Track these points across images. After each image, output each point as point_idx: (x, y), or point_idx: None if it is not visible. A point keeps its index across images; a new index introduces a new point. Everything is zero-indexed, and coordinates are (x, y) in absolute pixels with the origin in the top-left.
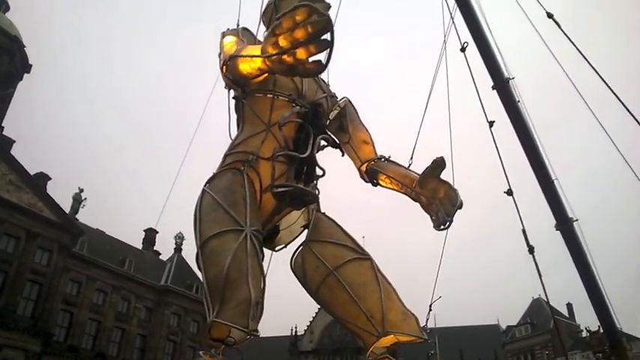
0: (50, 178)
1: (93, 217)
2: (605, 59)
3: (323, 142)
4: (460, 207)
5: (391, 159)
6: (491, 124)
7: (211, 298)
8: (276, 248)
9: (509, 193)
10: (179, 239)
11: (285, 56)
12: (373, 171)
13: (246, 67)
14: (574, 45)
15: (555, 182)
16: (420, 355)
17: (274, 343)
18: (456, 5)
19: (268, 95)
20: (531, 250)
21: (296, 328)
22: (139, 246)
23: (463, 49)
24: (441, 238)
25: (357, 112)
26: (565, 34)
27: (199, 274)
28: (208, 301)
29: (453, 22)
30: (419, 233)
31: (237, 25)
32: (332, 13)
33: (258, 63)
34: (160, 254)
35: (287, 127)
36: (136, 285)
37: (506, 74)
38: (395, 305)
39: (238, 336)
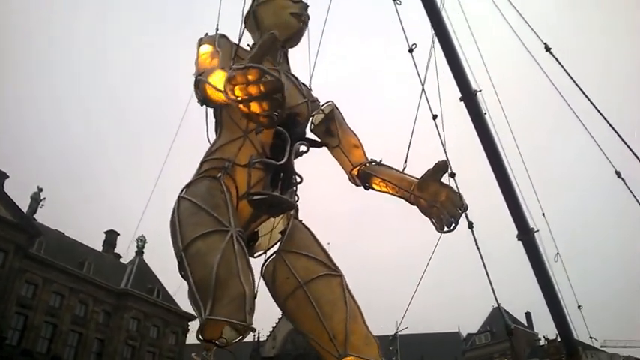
0: (7, 177)
1: (53, 217)
2: (605, 58)
3: (302, 148)
4: (466, 210)
5: (383, 162)
6: (434, 116)
7: (201, 297)
8: (255, 254)
9: (470, 226)
10: (141, 242)
11: (240, 105)
12: (366, 174)
13: (213, 94)
14: (571, 78)
15: (519, 195)
16: None
17: (236, 348)
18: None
19: None
20: (470, 225)
21: (258, 333)
22: (99, 248)
23: (411, 50)
24: (404, 249)
25: (342, 116)
26: (563, 67)
27: (162, 279)
28: (198, 301)
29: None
30: (382, 243)
31: (216, 30)
32: (321, 14)
33: (222, 96)
34: (121, 257)
35: (264, 133)
36: (94, 288)
37: (474, 86)
38: (359, 328)
39: (230, 336)
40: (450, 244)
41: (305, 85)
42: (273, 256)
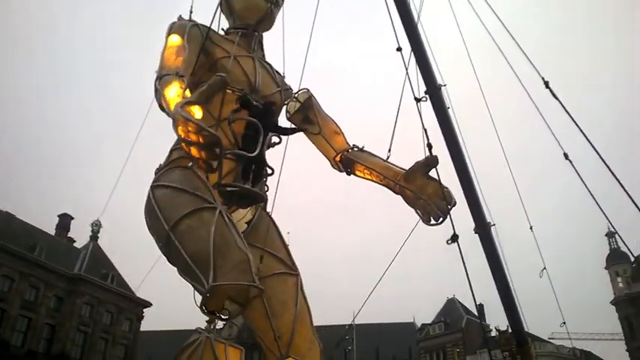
0: None
1: (2, 199)
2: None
3: (275, 139)
4: (454, 205)
5: (365, 149)
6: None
7: (200, 269)
8: None
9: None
10: (96, 227)
11: (182, 144)
12: (349, 160)
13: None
14: (570, 116)
15: (476, 188)
16: (337, 350)
17: (189, 335)
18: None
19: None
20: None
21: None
22: (52, 232)
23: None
24: (366, 239)
25: (319, 104)
26: (562, 105)
27: (117, 265)
28: (197, 274)
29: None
30: (345, 233)
31: (190, 14)
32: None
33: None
34: (75, 242)
35: (237, 123)
36: (46, 272)
37: (439, 81)
38: (305, 331)
39: (234, 309)
40: (409, 236)
41: (279, 73)
42: None
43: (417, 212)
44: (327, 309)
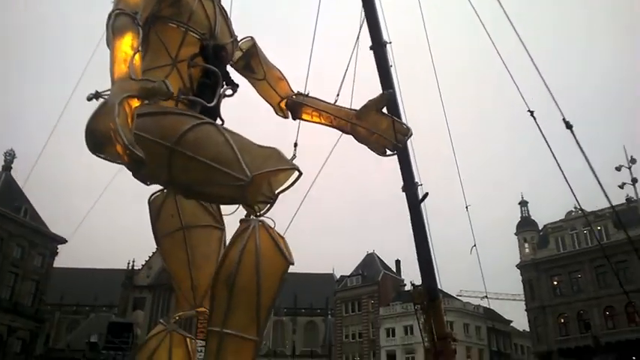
0: None
1: None
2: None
3: (228, 92)
4: (410, 135)
5: (310, 95)
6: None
7: (230, 167)
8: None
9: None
10: (9, 156)
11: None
12: (297, 104)
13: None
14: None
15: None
16: None
17: (107, 275)
18: None
19: (181, 28)
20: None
21: (133, 262)
22: None
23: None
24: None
25: (263, 53)
26: (580, 148)
27: (32, 198)
28: (226, 172)
29: None
30: None
31: None
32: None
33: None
34: None
35: (196, 68)
36: None
37: (385, 38)
38: None
39: (274, 193)
40: (329, 191)
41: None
42: (165, 190)
43: (371, 148)
44: None
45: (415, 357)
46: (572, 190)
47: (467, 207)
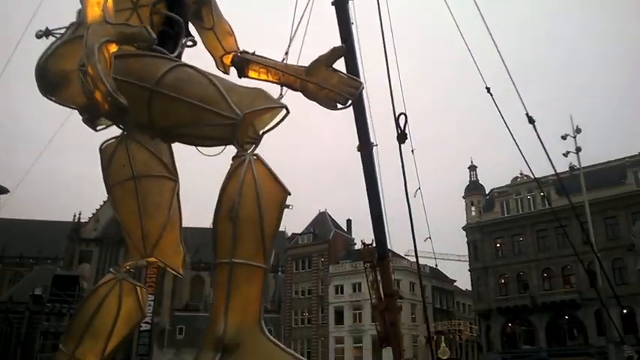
0: None
1: None
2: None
3: (189, 42)
4: (362, 89)
5: (257, 53)
6: None
7: (217, 107)
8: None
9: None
10: None
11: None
12: (243, 60)
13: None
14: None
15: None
16: (207, 253)
17: (52, 227)
18: None
19: None
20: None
21: (80, 214)
22: None
23: None
24: None
25: (216, 3)
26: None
27: None
28: (214, 111)
29: None
30: None
31: None
32: None
33: None
34: None
35: (158, 14)
36: None
37: None
38: (173, 236)
39: (258, 134)
40: (281, 150)
41: None
42: (118, 138)
43: (321, 103)
44: (203, 210)
45: (362, 313)
46: (523, 155)
47: (412, 150)
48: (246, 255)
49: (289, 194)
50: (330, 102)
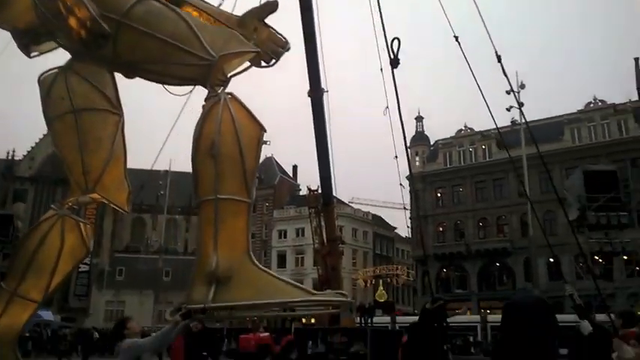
0: None
1: None
2: None
3: None
4: (288, 49)
5: None
6: None
7: (190, 46)
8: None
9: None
10: None
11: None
12: (176, 2)
13: None
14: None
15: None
16: (150, 194)
17: None
18: None
19: None
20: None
21: (13, 152)
22: None
23: None
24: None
25: None
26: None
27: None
28: (187, 50)
29: None
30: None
31: None
32: None
33: None
34: None
35: None
36: None
37: None
38: (117, 172)
39: (226, 76)
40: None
41: None
42: (58, 69)
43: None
44: (145, 154)
45: (304, 257)
46: (490, 110)
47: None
48: (231, 191)
49: (265, 131)
50: (256, 59)
